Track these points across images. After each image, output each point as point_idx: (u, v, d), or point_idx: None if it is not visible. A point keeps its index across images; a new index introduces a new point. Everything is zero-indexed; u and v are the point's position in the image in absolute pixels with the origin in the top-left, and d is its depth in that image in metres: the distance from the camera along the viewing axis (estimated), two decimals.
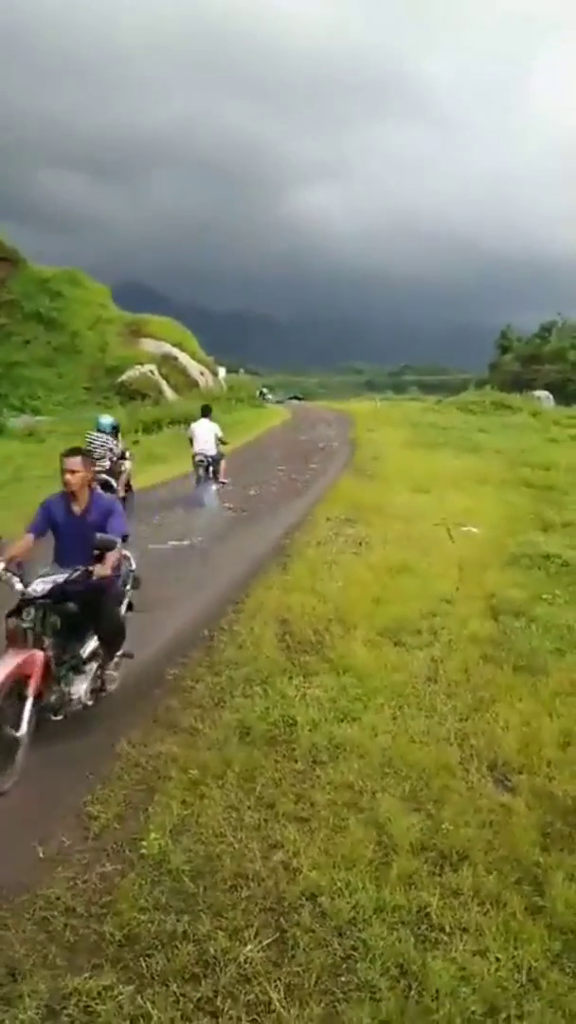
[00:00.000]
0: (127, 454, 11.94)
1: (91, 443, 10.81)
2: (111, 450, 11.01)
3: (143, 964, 2.86)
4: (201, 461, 13.28)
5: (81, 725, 4.80)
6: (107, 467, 10.71)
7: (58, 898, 3.23)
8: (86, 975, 2.80)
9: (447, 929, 3.07)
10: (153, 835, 3.61)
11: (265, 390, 38.40)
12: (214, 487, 13.28)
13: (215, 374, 36.97)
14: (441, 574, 8.33)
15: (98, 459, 10.08)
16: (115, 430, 11.46)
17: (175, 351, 31.76)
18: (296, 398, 67.17)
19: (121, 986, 2.75)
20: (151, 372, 28.90)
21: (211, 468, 13.33)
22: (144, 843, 3.57)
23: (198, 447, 13.31)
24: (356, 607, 7.05)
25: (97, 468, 8.92)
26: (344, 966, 2.88)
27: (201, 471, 13.32)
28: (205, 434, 13.36)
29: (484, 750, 4.53)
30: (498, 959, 2.89)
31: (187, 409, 26.78)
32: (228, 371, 45.42)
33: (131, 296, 38.81)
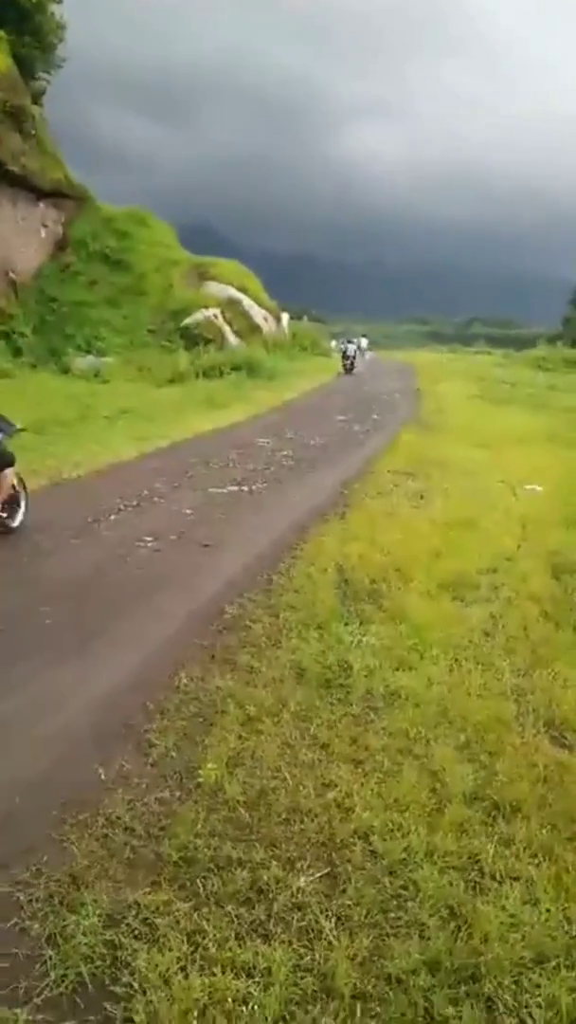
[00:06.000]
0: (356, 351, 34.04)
1: (347, 347, 34.09)
2: (357, 349, 34.74)
3: (199, 884, 2.97)
4: (360, 349, 37.77)
5: (141, 655, 4.95)
6: (352, 355, 33.03)
7: (119, 818, 3.35)
8: (145, 890, 2.92)
9: (498, 877, 3.08)
10: (210, 765, 3.70)
11: (348, 341, 38.23)
12: (368, 356, 43.23)
13: (278, 320, 36.46)
14: (503, 531, 8.17)
15: (351, 352, 33.34)
16: (356, 345, 35.46)
17: (239, 295, 31.36)
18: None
19: (179, 903, 2.86)
20: (215, 316, 28.67)
21: (364, 354, 39.84)
22: (201, 772, 3.67)
23: (364, 345, 41.67)
24: (414, 559, 6.99)
25: (351, 354, 33.57)
26: (394, 903, 2.92)
27: (361, 354, 37.64)
28: (364, 341, 43.74)
29: (541, 707, 4.48)
30: (548, 910, 2.89)
31: (249, 355, 26.64)
32: (292, 318, 44.66)
33: (185, 234, 38.02)
